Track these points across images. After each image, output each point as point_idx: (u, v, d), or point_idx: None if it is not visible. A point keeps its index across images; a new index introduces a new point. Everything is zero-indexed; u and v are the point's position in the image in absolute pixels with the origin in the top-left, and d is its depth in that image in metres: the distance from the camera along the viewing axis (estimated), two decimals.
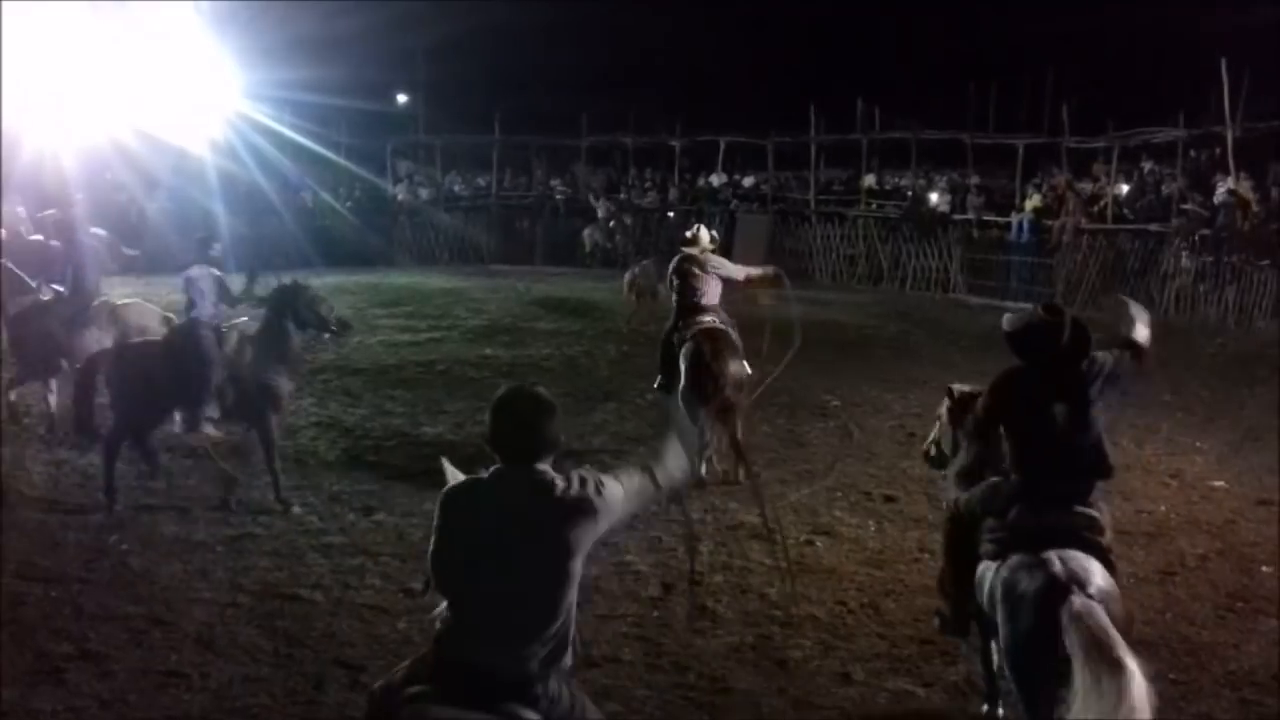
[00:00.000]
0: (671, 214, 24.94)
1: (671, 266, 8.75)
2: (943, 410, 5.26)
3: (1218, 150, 18.06)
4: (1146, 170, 20.46)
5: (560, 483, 2.93)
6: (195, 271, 7.85)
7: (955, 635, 5.01)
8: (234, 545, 6.87)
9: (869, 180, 23.94)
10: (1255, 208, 16.49)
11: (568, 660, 2.98)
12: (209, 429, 7.74)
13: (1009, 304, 18.94)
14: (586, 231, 24.06)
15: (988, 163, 23.20)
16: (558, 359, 13.23)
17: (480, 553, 2.88)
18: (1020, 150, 21.12)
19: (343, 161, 25.89)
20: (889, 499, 8.02)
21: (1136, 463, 9.08)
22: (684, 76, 28.64)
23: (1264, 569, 6.77)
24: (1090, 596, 3.92)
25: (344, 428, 9.72)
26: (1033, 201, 20.21)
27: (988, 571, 4.30)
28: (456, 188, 27.83)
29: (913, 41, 28.79)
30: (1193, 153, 19.34)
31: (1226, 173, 17.27)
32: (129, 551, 6.73)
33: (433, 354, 13.30)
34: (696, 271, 8.46)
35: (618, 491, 3.00)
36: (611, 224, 24.29)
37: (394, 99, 32.00)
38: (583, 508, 2.91)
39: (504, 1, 27.64)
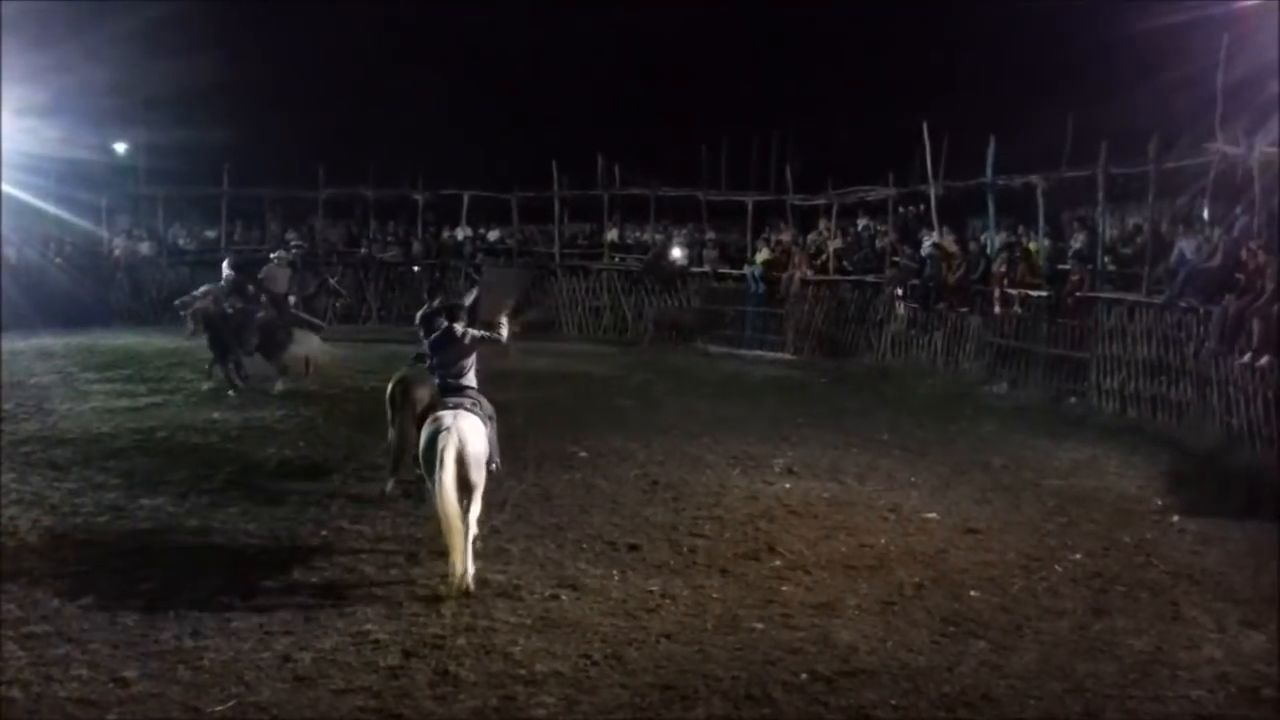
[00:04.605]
0: (416, 268, 24.58)
1: None
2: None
3: (922, 206, 19.67)
4: (862, 226, 22.00)
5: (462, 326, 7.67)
6: None
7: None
8: None
9: (612, 235, 24.57)
10: (957, 259, 18.02)
11: (474, 381, 7.62)
12: None
13: (744, 352, 19.94)
14: (199, 301, 15.51)
15: (721, 218, 24.28)
16: (293, 421, 12.63)
17: (440, 348, 7.66)
18: (750, 207, 22.34)
19: (53, 211, 24.01)
20: (633, 547, 8.12)
21: (859, 499, 9.67)
22: (423, 130, 28.40)
23: (973, 593, 7.31)
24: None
25: (49, 504, 8.85)
26: (762, 255, 21.36)
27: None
28: (181, 241, 26.30)
29: (647, 101, 29.82)
30: (901, 209, 20.96)
31: (931, 227, 18.84)
32: None
33: (153, 420, 12.40)
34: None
35: (475, 333, 7.70)
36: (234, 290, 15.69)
37: (111, 149, 29.95)
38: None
39: (231, 56, 26.47)
